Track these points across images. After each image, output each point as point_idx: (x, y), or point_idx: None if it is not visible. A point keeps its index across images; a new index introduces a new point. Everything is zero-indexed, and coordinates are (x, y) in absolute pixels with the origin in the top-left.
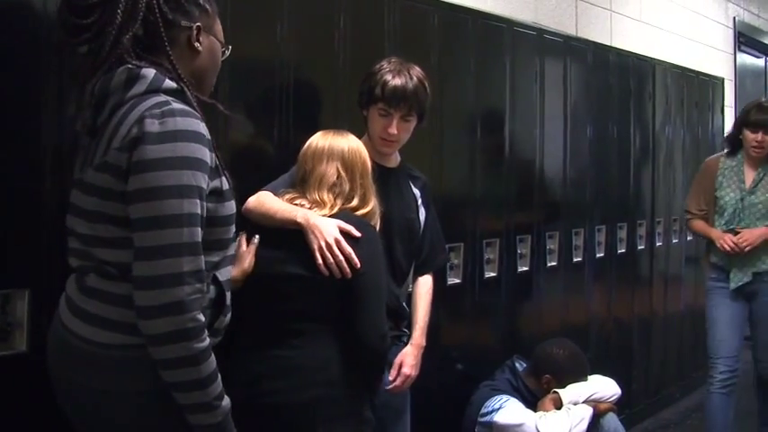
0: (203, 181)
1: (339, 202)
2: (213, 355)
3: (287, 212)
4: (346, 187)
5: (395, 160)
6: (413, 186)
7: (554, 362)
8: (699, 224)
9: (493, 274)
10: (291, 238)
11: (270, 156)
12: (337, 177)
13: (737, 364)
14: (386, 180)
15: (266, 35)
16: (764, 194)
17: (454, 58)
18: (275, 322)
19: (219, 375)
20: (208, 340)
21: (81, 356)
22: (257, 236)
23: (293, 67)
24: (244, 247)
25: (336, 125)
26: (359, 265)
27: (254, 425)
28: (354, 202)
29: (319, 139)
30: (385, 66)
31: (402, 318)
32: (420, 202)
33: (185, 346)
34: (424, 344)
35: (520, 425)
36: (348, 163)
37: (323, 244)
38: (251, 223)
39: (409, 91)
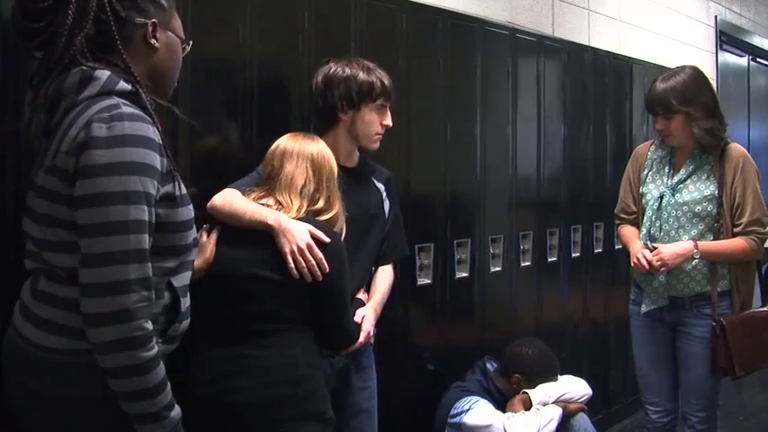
0: (152, 187)
1: (305, 204)
2: (162, 364)
3: (257, 214)
4: (311, 188)
5: (354, 160)
6: (376, 182)
7: (523, 361)
8: (625, 232)
9: (464, 275)
10: (258, 239)
11: (233, 158)
12: (305, 179)
13: (673, 404)
14: (350, 180)
15: (229, 36)
16: (691, 194)
17: (423, 58)
18: (241, 322)
19: (169, 385)
20: (156, 349)
21: (31, 361)
22: (219, 225)
23: (256, 68)
24: (204, 237)
25: (301, 128)
26: (328, 270)
27: (218, 423)
28: (320, 204)
29: (288, 141)
30: (353, 65)
31: None
32: (384, 195)
33: (131, 355)
34: (379, 311)
35: (488, 426)
36: (317, 165)
37: (295, 248)
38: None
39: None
